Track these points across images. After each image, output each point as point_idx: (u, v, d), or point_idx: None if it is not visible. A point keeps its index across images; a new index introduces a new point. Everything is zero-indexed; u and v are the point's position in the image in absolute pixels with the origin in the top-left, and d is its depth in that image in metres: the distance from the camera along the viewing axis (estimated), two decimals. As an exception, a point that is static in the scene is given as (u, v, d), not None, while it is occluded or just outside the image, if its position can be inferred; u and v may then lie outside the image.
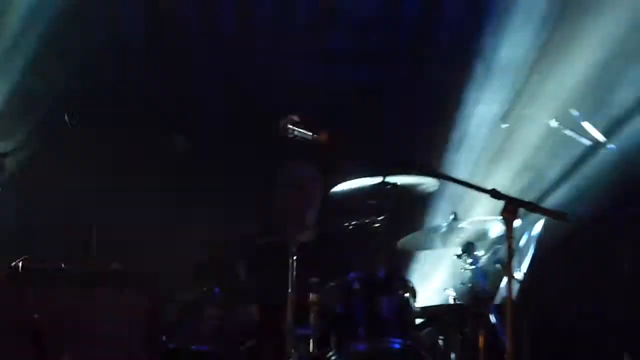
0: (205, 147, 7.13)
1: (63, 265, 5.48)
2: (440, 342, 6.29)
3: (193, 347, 5.99)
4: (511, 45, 7.65)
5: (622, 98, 7.43)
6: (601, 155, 7.11)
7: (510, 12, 7.64)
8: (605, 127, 7.22)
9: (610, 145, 6.96)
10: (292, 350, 5.72)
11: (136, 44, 7.21)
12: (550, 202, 7.12)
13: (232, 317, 6.21)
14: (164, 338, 5.71)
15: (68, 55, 7.19)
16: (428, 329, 6.38)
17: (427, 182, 6.37)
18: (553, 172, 7.51)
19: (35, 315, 5.00)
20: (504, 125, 7.31)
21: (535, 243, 6.51)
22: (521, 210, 4.48)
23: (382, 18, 7.78)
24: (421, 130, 7.57)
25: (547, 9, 7.56)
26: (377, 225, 6.49)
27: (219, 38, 7.52)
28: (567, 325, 7.02)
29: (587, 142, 7.00)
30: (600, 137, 6.97)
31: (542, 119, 7.12)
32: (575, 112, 6.99)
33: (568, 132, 6.99)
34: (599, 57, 7.44)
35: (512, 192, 4.61)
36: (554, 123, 7.02)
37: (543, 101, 7.48)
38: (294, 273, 5.71)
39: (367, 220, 6.53)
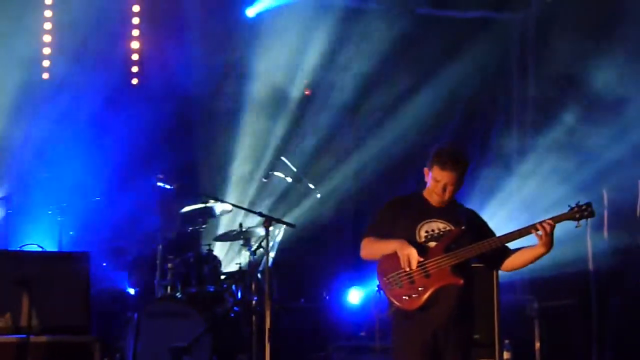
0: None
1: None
2: (233, 287, 8.68)
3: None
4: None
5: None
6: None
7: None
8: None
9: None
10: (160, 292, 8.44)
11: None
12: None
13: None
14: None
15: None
16: (227, 281, 8.89)
17: (225, 207, 8.95)
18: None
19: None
20: (264, 179, 9.79)
21: (280, 237, 9.26)
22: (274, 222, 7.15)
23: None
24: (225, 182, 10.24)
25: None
26: (202, 229, 9.19)
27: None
28: (300, 268, 10.13)
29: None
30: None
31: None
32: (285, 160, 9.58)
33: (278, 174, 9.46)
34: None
35: (270, 213, 7.77)
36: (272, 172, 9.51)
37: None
38: (161, 253, 8.53)
39: (197, 226, 9.10)
